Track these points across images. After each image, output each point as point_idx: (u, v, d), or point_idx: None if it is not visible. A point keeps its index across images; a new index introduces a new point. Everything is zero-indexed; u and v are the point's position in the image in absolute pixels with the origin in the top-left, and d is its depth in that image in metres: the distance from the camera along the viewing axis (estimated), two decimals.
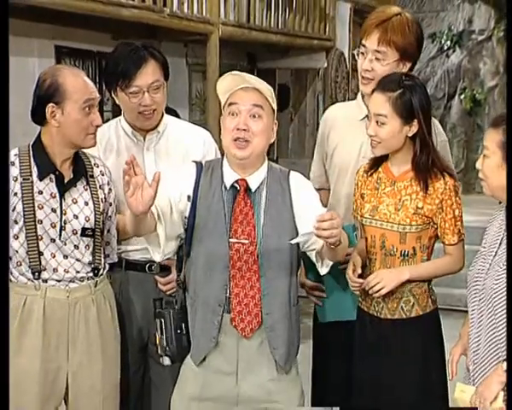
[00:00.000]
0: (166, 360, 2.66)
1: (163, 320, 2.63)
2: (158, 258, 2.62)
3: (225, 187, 2.58)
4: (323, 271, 2.63)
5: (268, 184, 2.61)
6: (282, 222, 2.58)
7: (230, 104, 2.55)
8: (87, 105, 2.70)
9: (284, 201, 2.60)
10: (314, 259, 2.61)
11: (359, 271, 2.76)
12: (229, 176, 2.59)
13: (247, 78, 2.54)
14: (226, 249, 2.53)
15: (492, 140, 2.46)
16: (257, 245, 2.53)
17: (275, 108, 2.59)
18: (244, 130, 2.50)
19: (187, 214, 2.59)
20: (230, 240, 2.53)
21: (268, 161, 2.66)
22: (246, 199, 2.57)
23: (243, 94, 2.53)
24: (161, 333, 2.63)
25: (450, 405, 2.80)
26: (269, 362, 2.59)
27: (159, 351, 2.66)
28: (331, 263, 2.61)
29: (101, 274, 2.83)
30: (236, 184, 2.58)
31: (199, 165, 2.64)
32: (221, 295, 2.54)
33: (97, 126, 2.74)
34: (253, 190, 2.58)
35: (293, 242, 2.47)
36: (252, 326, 2.54)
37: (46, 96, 2.69)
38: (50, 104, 2.68)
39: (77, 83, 2.71)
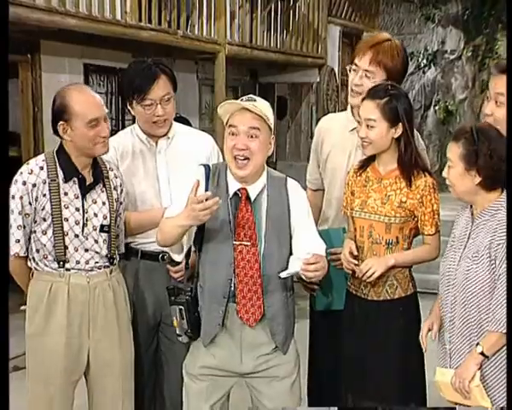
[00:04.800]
0: (185, 339, 2.63)
1: (183, 307, 2.58)
2: (179, 259, 2.65)
3: (229, 195, 2.56)
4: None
5: (268, 191, 2.58)
6: (281, 226, 2.57)
7: (230, 126, 2.50)
8: (92, 124, 2.65)
9: (282, 207, 2.58)
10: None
11: (356, 252, 2.76)
12: (232, 185, 2.56)
13: (243, 103, 2.48)
14: (230, 250, 2.51)
15: (454, 153, 2.47)
16: (258, 247, 2.52)
17: (271, 124, 2.53)
18: (243, 149, 2.47)
19: None
20: (234, 242, 2.51)
21: (267, 168, 2.63)
22: (247, 206, 2.54)
23: (241, 117, 2.48)
24: (182, 318, 2.59)
25: (428, 377, 2.81)
26: (269, 342, 2.58)
27: (177, 332, 2.62)
28: None
29: (115, 264, 2.82)
30: (238, 192, 2.55)
31: (206, 169, 2.60)
32: (226, 288, 2.52)
33: (104, 137, 2.69)
34: (252, 199, 2.55)
35: (283, 276, 2.48)
36: (255, 317, 2.53)
37: (57, 116, 2.68)
38: (61, 122, 2.66)
39: (82, 103, 2.67)
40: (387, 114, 2.69)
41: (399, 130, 2.72)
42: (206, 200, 2.37)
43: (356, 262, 2.75)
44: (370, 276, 2.70)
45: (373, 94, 2.73)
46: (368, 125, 2.71)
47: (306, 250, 2.48)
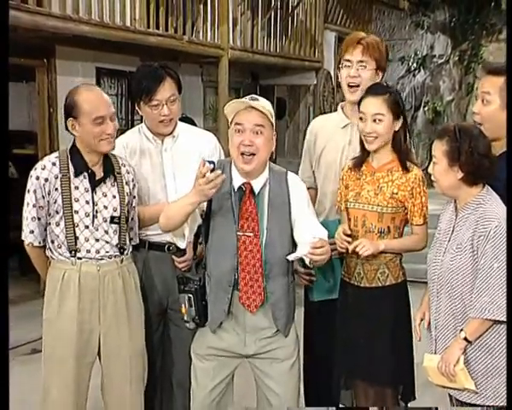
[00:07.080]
0: (192, 325, 2.63)
1: (192, 296, 2.58)
2: (183, 245, 2.63)
3: (233, 188, 2.56)
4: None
5: (270, 185, 2.57)
6: (282, 217, 2.56)
7: (236, 124, 2.50)
8: (98, 121, 2.64)
9: (283, 199, 2.58)
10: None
11: (348, 231, 2.76)
12: (237, 179, 2.56)
13: (249, 102, 2.48)
14: (235, 241, 2.51)
15: (438, 149, 2.47)
16: (260, 238, 2.52)
17: (273, 122, 2.54)
18: (249, 145, 2.47)
19: (204, 208, 2.57)
20: (238, 233, 2.51)
21: (269, 163, 2.62)
22: (250, 199, 2.54)
23: (247, 115, 2.48)
24: (190, 305, 2.59)
25: (415, 359, 2.82)
26: (271, 326, 2.59)
27: (185, 318, 2.62)
28: None
29: (127, 254, 2.81)
30: (243, 186, 2.55)
31: (212, 164, 2.57)
32: (230, 277, 2.52)
33: (109, 134, 2.67)
34: (256, 193, 2.55)
35: (291, 259, 2.48)
36: (256, 303, 2.53)
37: (67, 112, 2.68)
38: (70, 119, 2.67)
39: (90, 101, 2.65)
40: (392, 107, 2.72)
41: (399, 123, 2.75)
42: (212, 171, 2.37)
43: (349, 239, 2.74)
44: (363, 252, 2.69)
45: (375, 90, 2.75)
46: (375, 120, 2.71)
47: (311, 236, 2.46)
